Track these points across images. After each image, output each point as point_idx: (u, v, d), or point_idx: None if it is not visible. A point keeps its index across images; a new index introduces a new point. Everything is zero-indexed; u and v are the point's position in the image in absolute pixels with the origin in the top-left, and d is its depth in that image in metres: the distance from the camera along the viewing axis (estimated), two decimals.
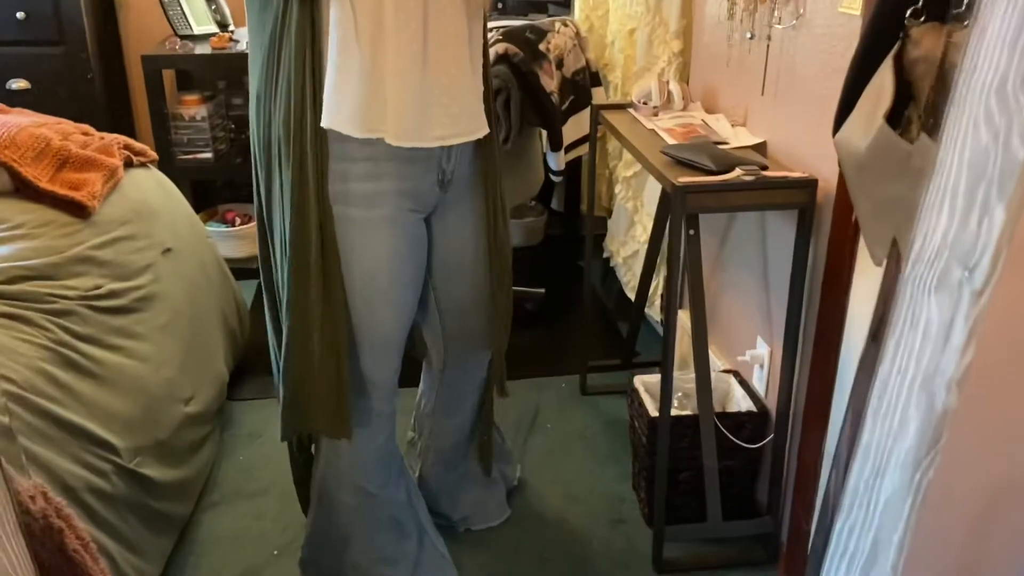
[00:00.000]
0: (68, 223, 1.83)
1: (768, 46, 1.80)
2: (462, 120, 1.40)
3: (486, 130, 1.46)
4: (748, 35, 1.89)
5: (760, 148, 1.84)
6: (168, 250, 2.12)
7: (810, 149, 1.68)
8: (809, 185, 1.60)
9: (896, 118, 1.19)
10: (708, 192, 1.61)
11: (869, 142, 1.20)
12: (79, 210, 1.83)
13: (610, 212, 2.98)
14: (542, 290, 2.92)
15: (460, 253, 1.56)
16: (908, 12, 1.15)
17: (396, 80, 1.30)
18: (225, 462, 2.14)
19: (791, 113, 1.75)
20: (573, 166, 2.93)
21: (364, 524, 1.61)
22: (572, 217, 3.38)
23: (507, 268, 1.61)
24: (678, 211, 1.61)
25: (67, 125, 2.13)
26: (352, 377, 1.47)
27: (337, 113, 1.30)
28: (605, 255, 3.01)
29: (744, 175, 1.61)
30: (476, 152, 1.50)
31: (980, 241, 0.64)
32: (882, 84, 1.22)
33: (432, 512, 1.82)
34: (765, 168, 1.65)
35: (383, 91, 1.30)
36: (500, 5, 3.18)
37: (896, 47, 1.22)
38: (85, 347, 1.65)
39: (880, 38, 1.33)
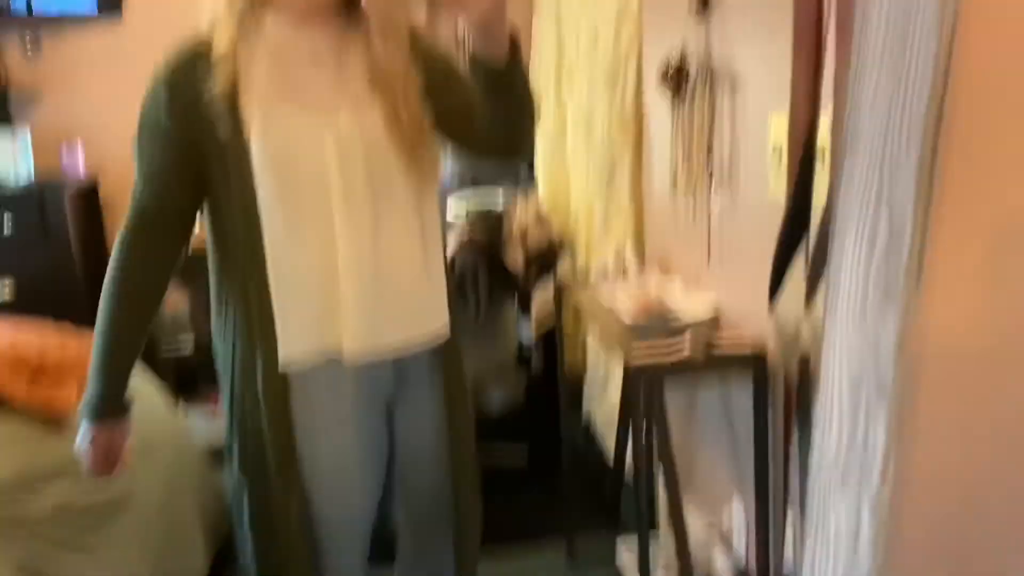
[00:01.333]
0: (41, 436, 1.85)
1: (709, 224, 1.90)
2: (420, 322, 1.43)
3: (447, 334, 1.47)
4: (691, 218, 1.99)
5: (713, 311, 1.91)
6: (144, 447, 2.12)
7: (759, 312, 1.74)
8: (758, 360, 1.66)
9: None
10: (665, 372, 1.68)
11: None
12: (54, 421, 1.86)
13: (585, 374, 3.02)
14: (524, 445, 2.92)
15: (419, 443, 1.54)
16: None
17: (349, 298, 1.34)
18: None
19: (736, 280, 1.83)
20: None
21: None
22: (552, 378, 3.41)
23: (470, 460, 1.58)
24: (637, 391, 1.67)
25: (44, 331, 2.18)
26: (317, 568, 1.46)
27: (294, 348, 1.35)
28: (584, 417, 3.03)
29: (694, 355, 1.67)
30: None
31: (868, 455, 0.68)
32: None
33: None
34: (715, 346, 1.71)
35: (337, 313, 1.34)
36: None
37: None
38: (57, 555, 1.64)
39: (801, 218, 1.43)
